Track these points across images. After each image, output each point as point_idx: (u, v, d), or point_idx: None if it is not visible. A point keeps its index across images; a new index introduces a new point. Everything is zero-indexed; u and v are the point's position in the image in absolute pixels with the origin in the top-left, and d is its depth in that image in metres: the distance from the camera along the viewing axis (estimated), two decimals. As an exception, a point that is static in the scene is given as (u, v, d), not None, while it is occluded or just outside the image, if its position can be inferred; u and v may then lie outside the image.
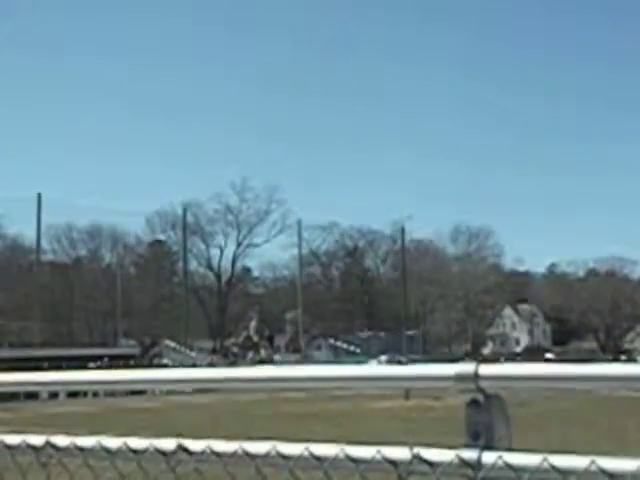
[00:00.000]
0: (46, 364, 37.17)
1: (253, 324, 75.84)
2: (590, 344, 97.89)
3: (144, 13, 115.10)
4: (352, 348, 76.98)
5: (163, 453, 2.16)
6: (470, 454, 1.79)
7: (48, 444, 2.37)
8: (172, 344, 71.31)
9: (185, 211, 78.46)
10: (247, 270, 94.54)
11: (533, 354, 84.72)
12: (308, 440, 2.00)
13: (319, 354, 72.06)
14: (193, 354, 67.54)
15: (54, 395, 36.34)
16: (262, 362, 60.28)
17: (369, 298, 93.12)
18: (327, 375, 2.14)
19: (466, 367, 1.84)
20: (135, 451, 2.21)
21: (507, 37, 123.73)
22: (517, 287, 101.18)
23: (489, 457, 1.77)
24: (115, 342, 71.94)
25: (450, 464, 1.79)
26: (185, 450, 2.13)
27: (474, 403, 1.85)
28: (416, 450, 1.84)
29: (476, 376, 1.82)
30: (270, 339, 74.66)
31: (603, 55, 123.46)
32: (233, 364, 53.66)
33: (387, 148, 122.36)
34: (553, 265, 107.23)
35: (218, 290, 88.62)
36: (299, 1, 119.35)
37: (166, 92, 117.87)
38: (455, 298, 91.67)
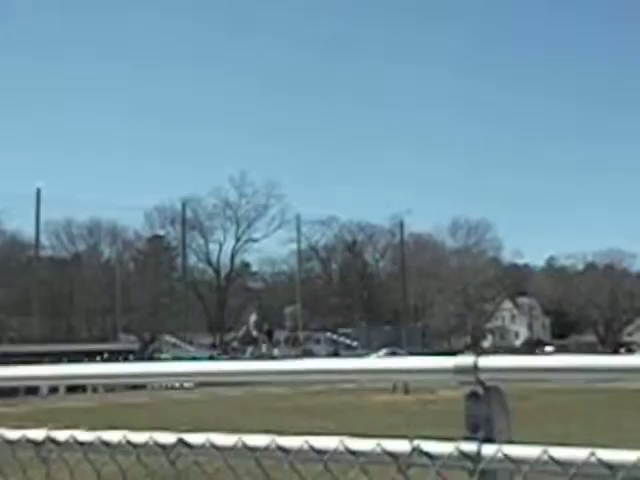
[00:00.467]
0: (46, 359, 37.14)
1: (252, 319, 75.85)
2: (589, 337, 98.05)
3: (144, 12, 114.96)
4: (351, 342, 77.04)
5: (163, 447, 2.16)
6: (470, 446, 1.79)
7: (48, 439, 2.37)
8: (172, 339, 71.35)
9: (184, 206, 78.44)
10: (246, 265, 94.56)
11: (532, 347, 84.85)
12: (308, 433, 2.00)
13: (318, 348, 72.04)
14: (193, 349, 67.58)
15: (54, 390, 36.39)
16: (262, 357, 60.31)
17: (368, 292, 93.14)
18: (326, 368, 2.15)
19: (465, 359, 1.84)
20: (135, 445, 2.21)
21: (505, 34, 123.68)
22: (516, 280, 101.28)
23: (489, 449, 1.77)
24: (114, 337, 71.97)
25: (450, 456, 1.80)
26: (185, 444, 2.13)
27: (473, 395, 1.85)
28: (416, 442, 1.84)
29: (475, 368, 1.82)
30: (269, 334, 74.63)
31: (599, 53, 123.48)
32: (233, 359, 53.71)
33: (386, 143, 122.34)
34: (552, 258, 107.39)
35: (217, 285, 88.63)
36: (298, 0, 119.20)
37: (165, 89, 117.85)
38: (454, 292, 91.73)
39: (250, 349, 68.45)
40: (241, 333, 76.67)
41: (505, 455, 1.74)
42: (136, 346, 64.63)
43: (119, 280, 74.81)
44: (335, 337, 78.95)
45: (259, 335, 73.82)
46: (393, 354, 54.19)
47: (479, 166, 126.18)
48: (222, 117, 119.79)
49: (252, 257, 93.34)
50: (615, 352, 75.07)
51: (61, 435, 2.36)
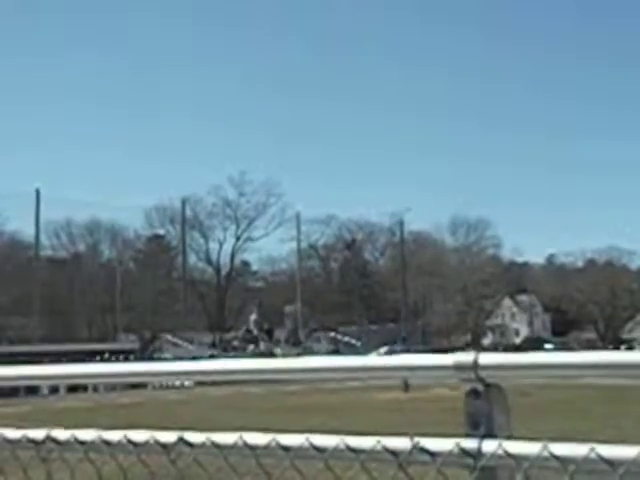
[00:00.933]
0: (46, 359, 37.16)
1: (252, 318, 75.86)
2: (589, 334, 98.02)
3: (142, 11, 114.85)
4: (352, 340, 77.05)
5: (163, 446, 2.16)
6: (470, 443, 1.79)
7: (48, 438, 2.37)
8: (172, 338, 71.35)
9: (184, 205, 78.37)
10: (246, 264, 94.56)
11: (533, 345, 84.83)
12: (309, 431, 2.00)
13: (319, 347, 72.02)
14: (193, 348, 67.58)
15: (54, 390, 36.40)
16: (262, 355, 60.34)
17: (368, 290, 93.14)
18: (326, 366, 2.15)
19: (465, 356, 1.85)
20: (135, 444, 2.21)
21: (505, 33, 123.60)
22: (516, 278, 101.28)
23: (489, 446, 1.77)
24: (115, 337, 71.96)
25: (450, 453, 1.80)
26: (185, 442, 2.13)
27: (474, 392, 1.85)
28: (416, 440, 1.84)
29: (475, 365, 1.83)
30: (269, 332, 74.66)
31: (599, 51, 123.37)
32: (233, 357, 53.73)
33: (385, 141, 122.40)
34: (552, 256, 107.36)
35: (217, 284, 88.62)
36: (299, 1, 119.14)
37: (164, 88, 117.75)
38: (454, 290, 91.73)
39: (250, 348, 68.47)
40: (241, 332, 76.67)
41: (505, 452, 1.74)
42: (136, 345, 64.63)
43: (119, 280, 74.81)
44: (335, 335, 78.97)
45: (259, 334, 73.84)
46: (393, 352, 54.22)
47: (478, 164, 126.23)
48: (221, 116, 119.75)
49: (252, 256, 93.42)
50: (616, 349, 75.11)
51: (61, 434, 2.36)
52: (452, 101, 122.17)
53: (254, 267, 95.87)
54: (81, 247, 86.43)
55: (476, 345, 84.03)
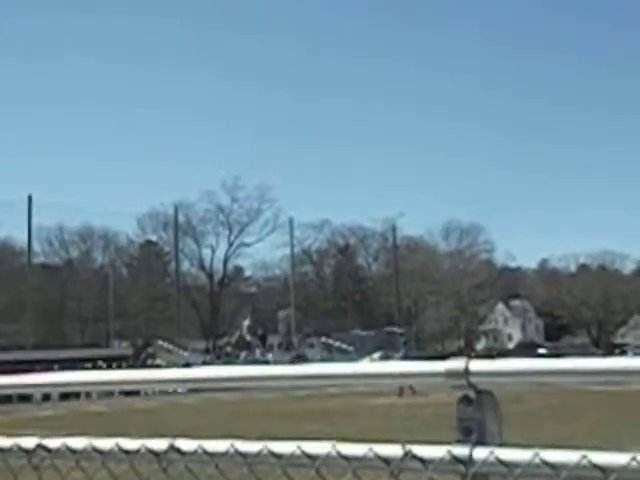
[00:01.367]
0: (38, 366, 37.05)
1: (246, 323, 75.74)
2: (582, 339, 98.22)
3: (138, 15, 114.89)
4: (345, 346, 76.97)
5: (155, 453, 2.16)
6: (462, 450, 1.79)
7: (40, 446, 2.36)
8: (165, 345, 71.21)
9: (176, 211, 78.21)
10: (239, 270, 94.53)
11: (526, 350, 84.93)
12: (301, 438, 2.00)
13: (312, 352, 71.90)
14: (186, 354, 67.45)
15: (47, 397, 36.28)
16: (256, 361, 60.27)
17: (361, 296, 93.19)
18: (319, 373, 2.15)
19: (456, 363, 1.84)
20: (127, 452, 2.21)
21: (502, 36, 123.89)
22: (509, 283, 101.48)
23: (481, 453, 1.77)
24: (107, 343, 71.77)
25: (442, 460, 1.80)
26: (177, 450, 2.12)
27: (465, 399, 1.85)
28: (408, 447, 1.84)
29: (467, 372, 1.83)
30: (263, 338, 74.52)
31: (597, 56, 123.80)
32: (227, 364, 53.61)
33: (378, 146, 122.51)
34: (544, 261, 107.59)
35: (210, 290, 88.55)
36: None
37: (157, 92, 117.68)
38: (447, 294, 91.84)
39: (244, 354, 68.34)
40: (235, 338, 76.52)
41: (497, 458, 1.74)
42: (129, 352, 64.43)
43: (112, 286, 74.65)
44: (329, 341, 78.91)
45: (253, 340, 73.73)
46: (387, 357, 54.18)
47: (472, 169, 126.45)
48: (214, 120, 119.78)
49: (245, 262, 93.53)
50: (609, 353, 75.26)
51: (53, 442, 2.36)
52: (447, 106, 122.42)
53: (247, 273, 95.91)
54: (74, 253, 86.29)
55: (469, 350, 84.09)
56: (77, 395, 37.35)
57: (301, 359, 63.30)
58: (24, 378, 2.72)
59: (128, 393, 36.19)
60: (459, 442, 1.80)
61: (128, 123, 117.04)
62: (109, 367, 47.20)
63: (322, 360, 59.93)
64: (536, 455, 1.69)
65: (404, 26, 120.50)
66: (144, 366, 53.90)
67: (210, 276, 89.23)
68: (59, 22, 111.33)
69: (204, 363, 57.93)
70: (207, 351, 74.73)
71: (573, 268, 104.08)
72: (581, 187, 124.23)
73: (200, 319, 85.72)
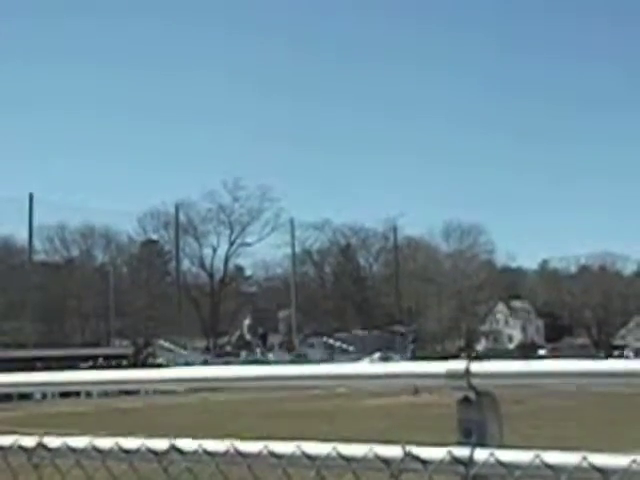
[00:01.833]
0: (39, 364, 37.06)
1: (246, 323, 75.79)
2: (583, 340, 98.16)
3: (138, 16, 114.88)
4: (346, 346, 76.98)
5: (155, 453, 2.16)
6: (462, 451, 1.79)
7: (40, 445, 2.36)
8: (166, 344, 71.22)
9: (177, 210, 78.27)
10: (240, 269, 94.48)
11: (526, 350, 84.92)
12: (301, 439, 2.00)
13: (313, 352, 71.93)
14: (187, 353, 67.49)
15: (47, 395, 36.29)
16: (256, 361, 60.27)
17: (362, 296, 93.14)
18: (319, 373, 2.15)
19: (457, 364, 1.84)
20: (127, 451, 2.21)
21: (502, 39, 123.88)
22: (509, 283, 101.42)
23: (481, 454, 1.77)
24: (108, 342, 71.79)
25: (442, 461, 1.80)
26: (177, 450, 2.12)
27: (466, 401, 1.85)
28: (408, 448, 1.84)
29: (467, 373, 1.82)
30: (263, 338, 74.55)
31: (596, 55, 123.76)
32: (227, 363, 53.57)
33: (379, 146, 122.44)
34: (545, 261, 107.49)
35: (211, 289, 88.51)
36: (297, 1, 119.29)
37: (158, 93, 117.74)
38: (448, 295, 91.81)
39: (244, 353, 68.38)
40: (235, 337, 76.59)
41: (497, 460, 1.74)
42: (130, 351, 64.45)
43: (112, 285, 74.65)
44: (329, 341, 78.92)
45: (253, 339, 73.78)
46: (386, 358, 54.22)
47: (472, 170, 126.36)
48: (215, 121, 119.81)
49: (246, 261, 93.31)
50: (609, 354, 75.24)
51: (53, 441, 2.36)
52: (446, 107, 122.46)
53: (248, 272, 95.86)
54: (74, 252, 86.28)
55: (470, 350, 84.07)
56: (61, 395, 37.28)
57: (301, 359, 63.34)
58: (25, 376, 2.72)
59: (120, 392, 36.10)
60: (459, 443, 1.80)
61: (130, 123, 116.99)
62: (109, 366, 47.24)
63: (322, 360, 59.95)
64: (536, 457, 1.69)
65: (405, 30, 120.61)
66: (144, 365, 53.90)
67: (211, 275, 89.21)
68: (62, 25, 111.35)
69: (204, 362, 57.97)
70: (207, 350, 74.75)
71: (574, 269, 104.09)
72: (582, 188, 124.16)
73: (200, 318, 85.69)
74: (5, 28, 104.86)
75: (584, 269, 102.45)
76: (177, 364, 51.69)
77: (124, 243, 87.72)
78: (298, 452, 1.93)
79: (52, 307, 74.82)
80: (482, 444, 1.79)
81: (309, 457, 1.92)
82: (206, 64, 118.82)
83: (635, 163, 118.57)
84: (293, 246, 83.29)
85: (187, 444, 2.12)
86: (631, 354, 73.81)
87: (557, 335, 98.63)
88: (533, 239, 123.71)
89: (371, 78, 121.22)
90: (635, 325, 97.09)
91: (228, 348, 74.16)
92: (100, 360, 52.10)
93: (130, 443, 2.22)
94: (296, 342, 75.68)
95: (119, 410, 29.76)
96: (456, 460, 1.77)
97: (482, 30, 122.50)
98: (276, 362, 56.87)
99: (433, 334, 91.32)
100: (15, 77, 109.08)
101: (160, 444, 2.16)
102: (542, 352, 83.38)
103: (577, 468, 1.65)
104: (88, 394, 37.56)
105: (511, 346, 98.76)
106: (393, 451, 1.85)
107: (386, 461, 1.84)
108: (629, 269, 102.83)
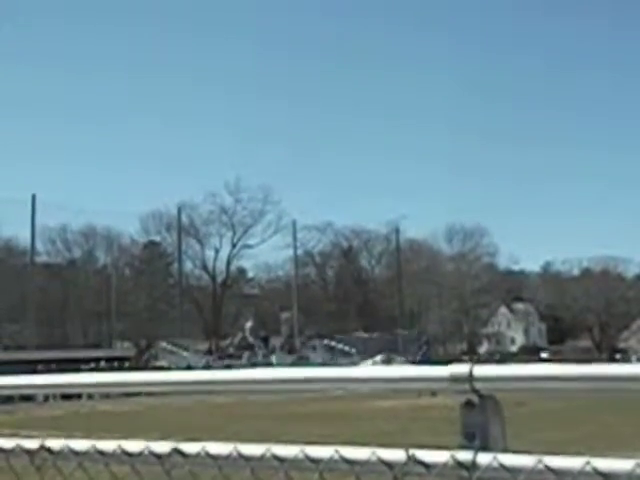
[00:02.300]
0: (40, 366, 37.07)
1: (248, 325, 75.71)
2: (585, 343, 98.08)
3: (138, 19, 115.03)
4: (348, 348, 76.89)
5: (158, 456, 2.16)
6: (465, 455, 1.79)
7: (42, 448, 2.36)
8: (168, 346, 71.18)
9: (180, 212, 78.31)
10: (242, 271, 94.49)
11: (529, 353, 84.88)
12: (305, 442, 2.00)
13: (314, 355, 71.86)
14: (189, 355, 67.46)
15: (49, 397, 36.27)
16: (258, 363, 60.20)
17: (364, 298, 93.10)
18: (321, 377, 2.14)
19: (460, 368, 1.84)
20: (130, 454, 2.20)
21: (502, 44, 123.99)
22: (512, 286, 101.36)
23: (484, 458, 1.77)
24: (110, 344, 71.80)
25: (445, 465, 1.79)
26: (180, 453, 2.12)
27: (469, 404, 1.85)
28: (411, 451, 1.84)
29: (470, 377, 1.82)
30: (265, 340, 74.49)
31: (597, 60, 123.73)
32: (229, 366, 53.59)
33: (382, 149, 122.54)
34: (548, 264, 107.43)
35: (213, 291, 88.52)
36: (296, 6, 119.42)
37: (160, 94, 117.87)
38: (450, 297, 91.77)
39: (246, 355, 68.32)
40: (237, 339, 76.47)
41: (500, 464, 1.74)
42: (131, 353, 64.48)
43: (114, 286, 74.68)
44: (331, 343, 78.84)
45: (255, 341, 73.69)
46: (389, 360, 54.14)
47: (475, 172, 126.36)
48: (218, 123, 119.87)
49: (248, 263, 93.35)
50: (611, 358, 75.18)
51: (55, 444, 2.36)
52: (449, 110, 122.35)
53: (250, 274, 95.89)
54: (76, 253, 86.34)
55: (472, 353, 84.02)
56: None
57: (303, 361, 63.31)
58: (27, 379, 2.72)
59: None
60: (462, 447, 1.80)
61: (132, 125, 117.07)
62: (111, 368, 47.25)
63: (324, 362, 59.94)
64: (539, 461, 1.69)
65: (403, 35, 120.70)
66: (146, 367, 53.87)
67: (213, 277, 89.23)
68: (67, 28, 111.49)
69: (206, 364, 57.95)
70: (209, 352, 74.71)
71: (576, 272, 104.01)
72: (585, 191, 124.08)
73: (202, 320, 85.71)
74: (9, 30, 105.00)
75: (587, 272, 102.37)
76: (179, 366, 51.70)
77: (126, 245, 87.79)
78: (301, 455, 1.93)
79: (54, 309, 74.85)
80: (485, 448, 1.78)
81: (312, 460, 1.92)
82: (207, 68, 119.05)
83: (637, 167, 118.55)
84: (295, 248, 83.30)
85: (190, 447, 2.12)
86: (634, 358, 73.74)
87: (560, 338, 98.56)
88: (536, 242, 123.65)
89: (374, 81, 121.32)
90: (638, 328, 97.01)
91: (230, 350, 74.09)
92: (102, 362, 52.07)
93: (132, 446, 2.22)
94: (298, 344, 75.64)
95: (119, 412, 29.76)
96: (459, 464, 1.77)
97: (482, 35, 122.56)
98: (279, 364, 56.90)
99: (435, 336, 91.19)
100: (18, 79, 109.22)
101: (163, 447, 2.16)
102: (544, 355, 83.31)
103: (581, 472, 1.64)
104: (90, 396, 37.58)
105: (513, 349, 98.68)
106: (396, 454, 1.85)
107: (389, 464, 1.84)
108: (632, 272, 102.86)
